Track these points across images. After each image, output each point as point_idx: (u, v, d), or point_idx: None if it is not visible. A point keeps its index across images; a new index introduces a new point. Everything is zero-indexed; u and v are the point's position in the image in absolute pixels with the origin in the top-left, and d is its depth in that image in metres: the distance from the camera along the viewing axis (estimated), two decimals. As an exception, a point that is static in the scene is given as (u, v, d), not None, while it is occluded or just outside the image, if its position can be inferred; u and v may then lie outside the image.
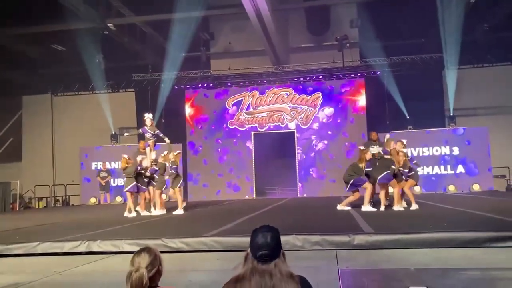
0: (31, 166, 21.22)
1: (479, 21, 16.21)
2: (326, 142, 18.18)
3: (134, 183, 10.34)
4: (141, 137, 11.59)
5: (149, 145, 10.97)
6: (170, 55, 17.53)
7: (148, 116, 11.24)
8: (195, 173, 18.80)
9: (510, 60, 18.03)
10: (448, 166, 16.62)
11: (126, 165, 10.49)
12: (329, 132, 18.17)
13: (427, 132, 16.81)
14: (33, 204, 19.80)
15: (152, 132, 11.10)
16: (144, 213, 10.66)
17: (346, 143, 17.92)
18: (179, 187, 10.96)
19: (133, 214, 10.43)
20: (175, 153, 11.06)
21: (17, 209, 18.05)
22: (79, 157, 18.98)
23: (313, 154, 18.23)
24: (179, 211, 10.72)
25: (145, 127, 11.19)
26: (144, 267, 2.25)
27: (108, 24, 16.04)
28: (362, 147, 10.26)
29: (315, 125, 18.27)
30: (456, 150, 16.64)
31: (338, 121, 18.17)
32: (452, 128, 16.98)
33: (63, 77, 20.58)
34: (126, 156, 10.82)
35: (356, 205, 9.88)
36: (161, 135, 11.24)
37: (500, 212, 7.61)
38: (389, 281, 4.02)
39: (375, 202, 9.90)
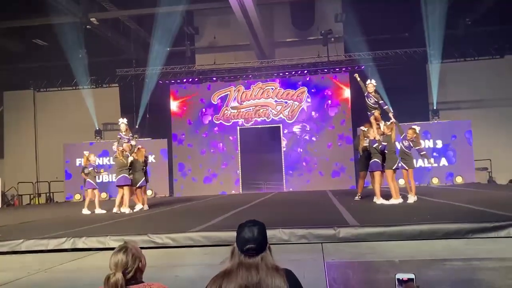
0: (14, 163, 20.91)
1: (461, 15, 16.42)
2: (311, 136, 18.26)
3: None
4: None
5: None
6: (154, 50, 17.41)
7: (122, 122, 11.03)
8: (181, 169, 18.78)
9: (492, 54, 18.30)
10: (432, 159, 16.81)
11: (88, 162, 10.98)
12: (315, 126, 18.24)
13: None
14: (29, 201, 19.52)
15: (128, 137, 10.88)
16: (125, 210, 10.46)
17: (331, 137, 18.06)
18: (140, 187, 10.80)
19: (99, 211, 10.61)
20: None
21: (0, 206, 17.81)
22: (63, 154, 18.76)
23: (298, 148, 18.31)
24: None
25: (121, 133, 10.98)
26: (120, 271, 2.27)
27: (91, 19, 15.84)
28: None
29: (300, 119, 18.33)
30: (439, 143, 16.87)
31: (323, 115, 18.25)
32: (436, 121, 17.20)
33: (45, 73, 20.26)
34: (86, 153, 11.26)
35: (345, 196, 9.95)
36: (133, 136, 11.05)
37: (482, 204, 7.75)
38: (374, 273, 4.07)
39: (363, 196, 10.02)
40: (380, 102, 9.60)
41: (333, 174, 17.89)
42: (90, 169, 10.95)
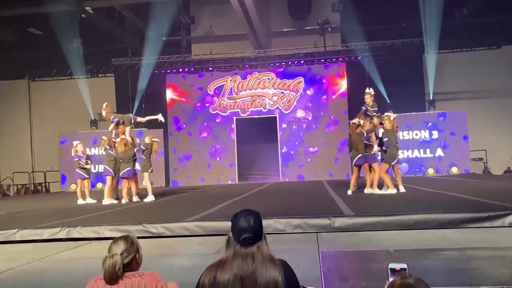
0: (9, 152, 20.80)
1: (458, 6, 16.36)
2: (307, 126, 18.25)
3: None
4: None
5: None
6: (150, 39, 17.25)
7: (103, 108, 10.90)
8: (179, 160, 18.77)
9: (488, 44, 18.25)
10: (428, 150, 16.89)
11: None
12: (311, 117, 18.23)
13: (407, 116, 17.03)
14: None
15: (118, 119, 10.68)
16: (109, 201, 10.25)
17: (328, 128, 18.08)
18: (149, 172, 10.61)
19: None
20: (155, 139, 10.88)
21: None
22: (58, 144, 18.68)
23: (295, 138, 18.30)
24: (151, 198, 10.42)
25: (115, 116, 10.81)
26: (118, 254, 2.29)
27: (86, 7, 15.68)
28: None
29: (297, 110, 18.30)
30: (435, 134, 16.91)
31: (320, 105, 18.23)
32: (432, 112, 17.22)
33: (40, 62, 20.09)
34: (75, 143, 11.11)
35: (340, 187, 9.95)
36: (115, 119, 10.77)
37: (477, 194, 7.79)
38: (368, 262, 4.08)
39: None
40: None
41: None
42: (75, 159, 10.93)
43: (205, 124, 18.75)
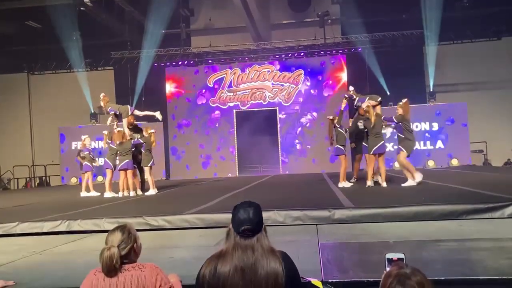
0: (9, 146, 20.81)
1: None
2: (307, 118, 18.23)
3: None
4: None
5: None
6: (149, 32, 17.20)
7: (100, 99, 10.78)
8: (179, 150, 18.80)
9: (489, 36, 18.20)
10: (428, 142, 16.88)
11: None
12: (311, 109, 18.21)
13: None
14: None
15: (114, 110, 10.62)
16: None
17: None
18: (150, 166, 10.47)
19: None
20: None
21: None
22: (58, 138, 18.68)
23: (295, 131, 18.29)
24: (152, 192, 10.29)
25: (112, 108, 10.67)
26: (116, 246, 2.27)
27: (85, 0, 15.61)
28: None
29: (297, 102, 18.27)
30: (435, 126, 16.90)
31: (320, 97, 18.20)
32: (432, 104, 17.20)
33: (39, 55, 20.05)
34: (83, 137, 11.26)
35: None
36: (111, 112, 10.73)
37: (476, 186, 7.79)
38: (368, 253, 4.09)
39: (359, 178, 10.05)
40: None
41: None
42: (85, 153, 10.95)
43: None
